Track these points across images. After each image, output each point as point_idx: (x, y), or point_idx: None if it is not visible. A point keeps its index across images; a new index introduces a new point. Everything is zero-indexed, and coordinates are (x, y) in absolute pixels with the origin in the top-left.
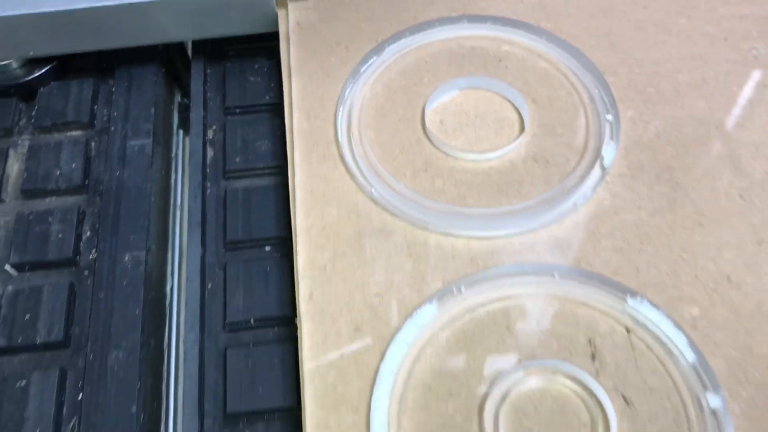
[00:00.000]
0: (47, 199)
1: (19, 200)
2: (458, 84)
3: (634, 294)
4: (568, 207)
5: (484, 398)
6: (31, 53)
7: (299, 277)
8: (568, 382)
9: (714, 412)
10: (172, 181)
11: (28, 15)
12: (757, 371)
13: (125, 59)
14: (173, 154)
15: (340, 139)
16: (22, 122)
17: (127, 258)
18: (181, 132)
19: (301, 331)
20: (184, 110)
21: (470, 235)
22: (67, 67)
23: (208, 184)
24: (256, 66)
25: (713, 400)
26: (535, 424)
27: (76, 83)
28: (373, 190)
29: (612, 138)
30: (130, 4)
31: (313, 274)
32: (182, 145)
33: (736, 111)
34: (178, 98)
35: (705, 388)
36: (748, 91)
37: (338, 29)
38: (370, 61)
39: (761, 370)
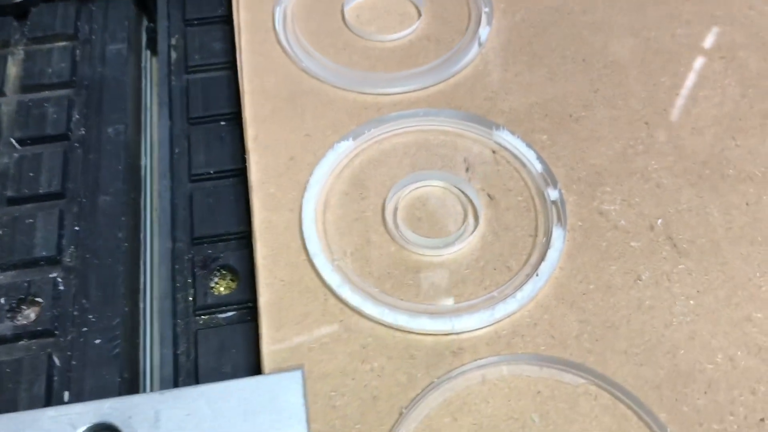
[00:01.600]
0: (43, 93)
1: (19, 93)
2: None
3: (498, 126)
4: (452, 72)
5: (387, 198)
6: None
7: (247, 125)
8: (448, 185)
9: (554, 202)
10: (143, 83)
11: None
12: (587, 173)
13: None
14: (143, 65)
15: (277, 27)
16: (17, 36)
17: (110, 130)
18: (148, 52)
19: (249, 162)
20: (151, 32)
21: (378, 92)
22: None
23: (173, 78)
24: None
25: (553, 194)
26: (424, 215)
27: (61, 4)
28: (302, 63)
29: (488, 23)
30: None
31: (257, 123)
32: (150, 65)
33: (584, 2)
34: (145, 23)
35: (548, 185)
36: None
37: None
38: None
39: (590, 173)
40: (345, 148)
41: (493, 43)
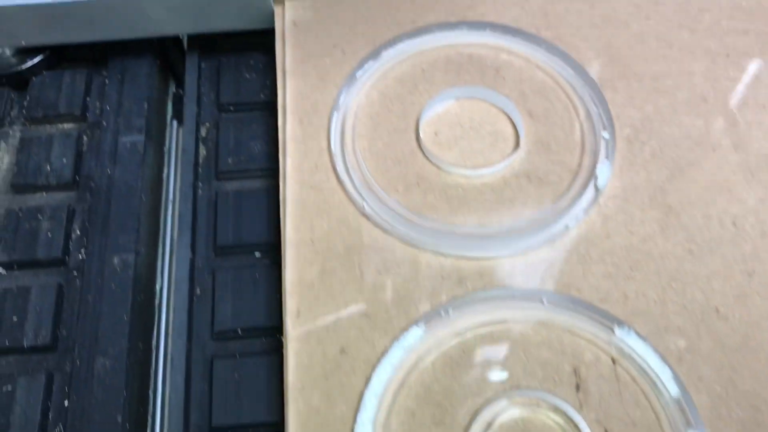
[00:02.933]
0: (37, 195)
1: (9, 195)
2: (454, 93)
3: (621, 324)
4: (560, 229)
5: (468, 427)
6: (23, 43)
7: (287, 293)
8: (552, 414)
9: None
10: (164, 175)
11: (20, 5)
12: (740, 408)
13: (119, 50)
14: (166, 147)
15: (333, 148)
16: (14, 112)
17: (116, 260)
18: (175, 122)
19: (287, 349)
20: (179, 101)
21: (460, 254)
22: (60, 56)
23: (200, 185)
24: (252, 62)
25: None
26: None
27: (68, 73)
28: (364, 204)
29: (607, 157)
30: None
31: (301, 291)
32: (176, 136)
33: (734, 133)
34: (172, 88)
35: (688, 424)
36: (747, 112)
37: (335, 30)
38: (366, 66)
39: (744, 407)
40: (414, 339)
41: (615, 187)
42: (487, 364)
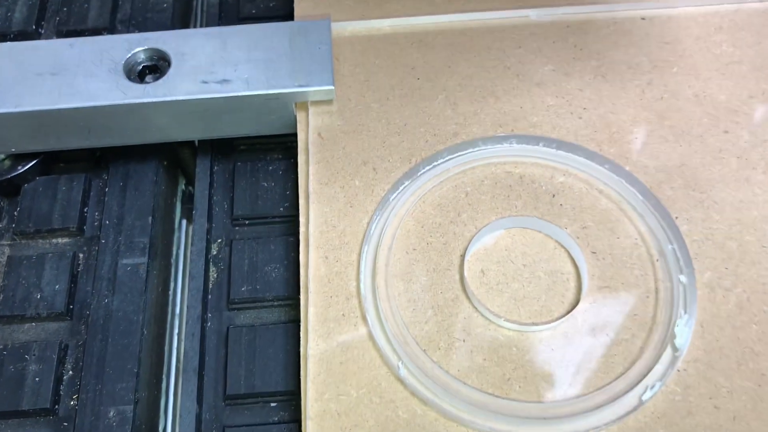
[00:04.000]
0: (26, 326)
1: None
2: (503, 224)
3: None
4: (632, 402)
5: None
6: (13, 150)
7: None
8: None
9: None
10: (167, 323)
11: (8, 113)
12: None
13: (121, 152)
14: (173, 258)
15: (362, 291)
16: (3, 223)
17: (111, 413)
18: (184, 222)
19: None
20: (189, 200)
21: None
22: (56, 159)
23: (209, 316)
24: (270, 167)
25: None
26: None
27: (65, 179)
28: (400, 366)
29: (686, 310)
30: (126, 105)
31: None
32: (184, 238)
33: None
34: (182, 186)
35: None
36: None
37: (365, 143)
38: (401, 188)
39: None
40: None
41: (696, 349)
42: None
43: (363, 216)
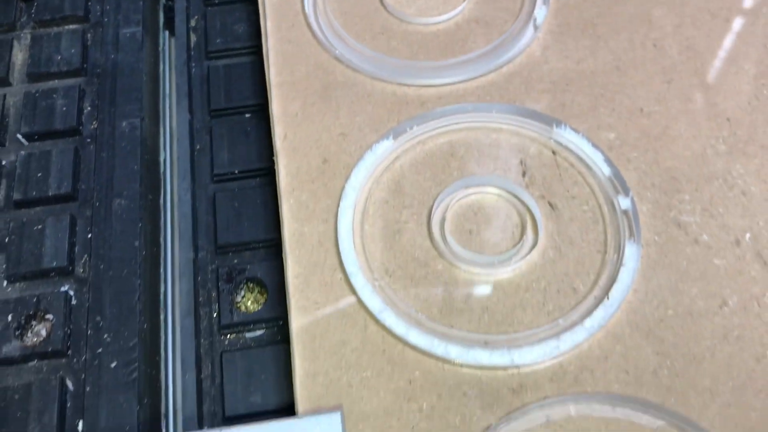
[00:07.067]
0: (51, 82)
1: (25, 83)
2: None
3: (559, 123)
4: (505, 60)
5: (432, 207)
6: None
7: (274, 123)
8: (502, 192)
9: (625, 212)
10: (160, 69)
11: None
12: (661, 179)
13: None
14: (160, 49)
15: (306, 9)
16: (23, 18)
17: (124, 124)
18: (166, 32)
19: (278, 165)
20: (169, 11)
21: (420, 83)
22: None
23: (193, 64)
24: None
25: (624, 202)
26: (475, 226)
27: None
28: (336, 51)
29: (545, 2)
30: None
31: (286, 120)
32: (168, 45)
33: None
34: (162, 1)
35: (617, 192)
36: None
37: None
38: None
39: (665, 178)
40: (384, 148)
41: (551, 25)
42: (447, 163)
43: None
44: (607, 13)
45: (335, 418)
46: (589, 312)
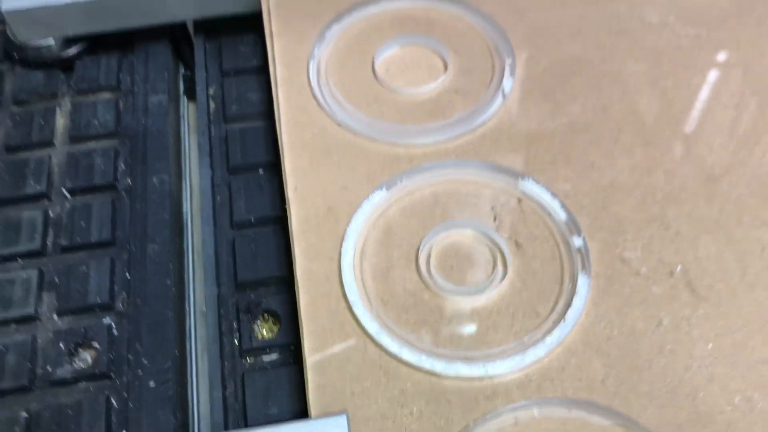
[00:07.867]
0: (89, 143)
1: (67, 144)
2: (398, 41)
3: (523, 176)
4: (479, 123)
5: (420, 247)
6: (69, 32)
7: (286, 176)
8: (477, 234)
9: (578, 250)
10: (182, 132)
11: (69, 3)
12: (609, 222)
13: (141, 37)
14: (182, 113)
15: (312, 82)
16: (64, 88)
17: (154, 180)
18: (185, 98)
19: (290, 212)
20: (188, 81)
21: (409, 143)
22: (96, 44)
23: (212, 128)
24: (245, 39)
25: (577, 242)
26: (455, 262)
27: (104, 57)
28: (337, 116)
29: (512, 75)
30: None
31: (296, 174)
32: (186, 110)
33: (603, 51)
34: (182, 71)
35: (572, 233)
36: (612, 37)
37: (308, 2)
38: (332, 27)
39: (612, 222)
40: (379, 198)
41: (517, 93)
42: (431, 210)
43: (309, 43)
44: (564, 84)
45: (342, 420)
46: (549, 331)
